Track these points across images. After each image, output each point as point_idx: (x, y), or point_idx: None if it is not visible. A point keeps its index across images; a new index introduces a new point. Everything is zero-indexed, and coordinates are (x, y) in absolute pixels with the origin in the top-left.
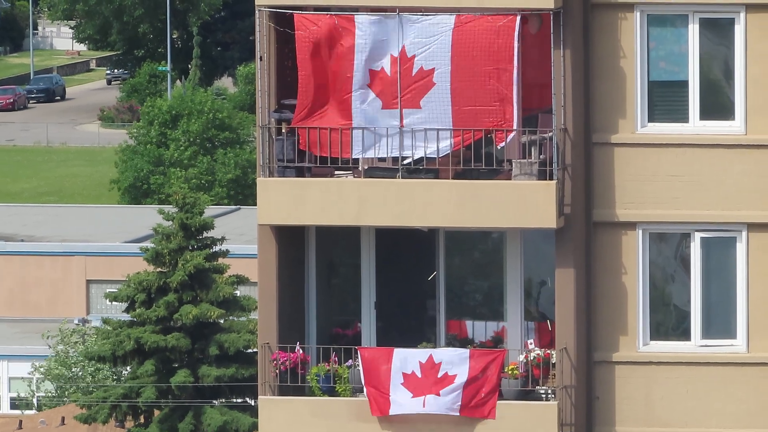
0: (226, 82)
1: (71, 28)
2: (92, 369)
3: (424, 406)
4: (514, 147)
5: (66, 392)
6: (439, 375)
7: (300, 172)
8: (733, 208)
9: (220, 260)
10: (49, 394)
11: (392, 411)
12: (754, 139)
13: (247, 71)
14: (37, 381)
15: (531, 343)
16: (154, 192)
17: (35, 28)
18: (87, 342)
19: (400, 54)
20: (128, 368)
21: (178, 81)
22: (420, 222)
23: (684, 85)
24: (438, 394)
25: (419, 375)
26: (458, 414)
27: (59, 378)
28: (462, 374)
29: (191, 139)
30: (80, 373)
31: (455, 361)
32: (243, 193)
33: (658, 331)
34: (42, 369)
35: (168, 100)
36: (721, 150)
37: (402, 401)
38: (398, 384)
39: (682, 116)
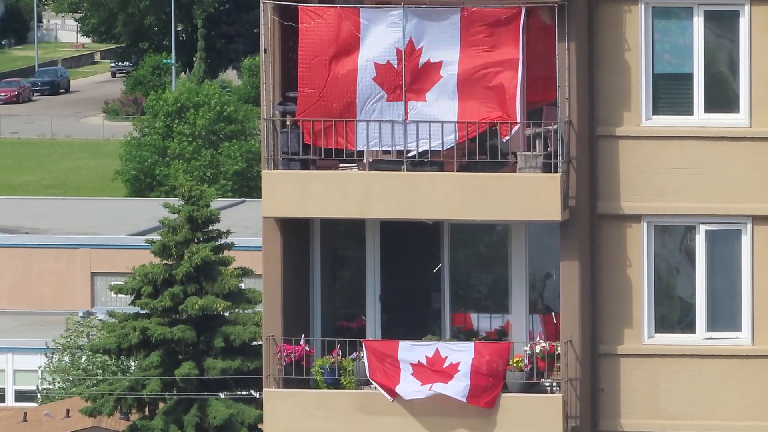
0: (230, 75)
1: (76, 20)
2: (101, 362)
3: (430, 389)
4: (518, 140)
5: (73, 385)
6: (445, 365)
7: (305, 165)
8: (738, 201)
9: (226, 253)
10: (65, 385)
11: (400, 394)
12: (759, 131)
13: (252, 64)
14: (48, 369)
15: (542, 334)
16: (159, 184)
17: (39, 20)
18: (92, 335)
19: (407, 46)
20: (133, 361)
21: (182, 73)
22: (425, 215)
23: (689, 77)
24: (446, 383)
25: (425, 364)
26: (465, 400)
27: (68, 370)
28: (467, 366)
29: (197, 133)
30: (87, 366)
31: (461, 354)
32: (248, 186)
33: (663, 324)
34: (53, 363)
35: (173, 92)
36: (725, 142)
37: (410, 388)
38: (408, 375)
39: (687, 109)
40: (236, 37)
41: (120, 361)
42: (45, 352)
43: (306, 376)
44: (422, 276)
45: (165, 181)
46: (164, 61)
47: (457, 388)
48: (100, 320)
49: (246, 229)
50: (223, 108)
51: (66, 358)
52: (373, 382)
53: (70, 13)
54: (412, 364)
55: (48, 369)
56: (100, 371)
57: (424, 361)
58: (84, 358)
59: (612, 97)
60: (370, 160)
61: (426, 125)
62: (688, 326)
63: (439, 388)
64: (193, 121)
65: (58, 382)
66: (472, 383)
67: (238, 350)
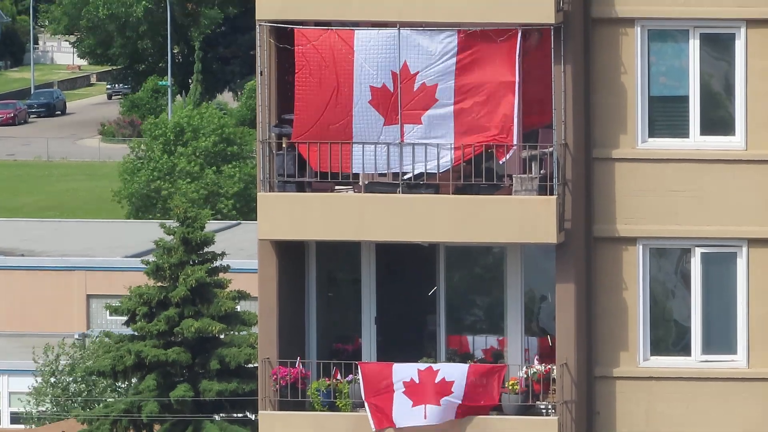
0: (226, 97)
1: (71, 44)
2: (87, 384)
3: (425, 417)
4: (514, 162)
5: (65, 407)
6: (437, 380)
7: (300, 187)
8: (733, 224)
9: (221, 275)
10: (50, 410)
11: (396, 423)
12: (755, 154)
13: (252, 86)
14: (33, 400)
15: (537, 357)
16: (162, 200)
17: (36, 42)
18: (84, 358)
19: (402, 70)
20: (126, 383)
21: (178, 95)
22: (420, 237)
23: (684, 100)
24: (438, 404)
25: (417, 381)
26: (454, 418)
27: (54, 395)
28: (461, 388)
29: (198, 154)
30: (73, 389)
31: (455, 375)
32: (248, 207)
33: (658, 347)
34: (32, 396)
35: (170, 116)
36: (721, 165)
37: (403, 412)
38: (400, 393)
39: (683, 131)
40: (232, 59)
41: (110, 383)
42: (34, 373)
43: (302, 398)
44: (418, 298)
45: (167, 201)
46: (160, 83)
47: (448, 409)
48: (96, 340)
49: (241, 252)
50: (223, 130)
51: (52, 379)
52: (366, 405)
53: (66, 36)
54: (404, 382)
55: (31, 392)
56: (85, 393)
57: (416, 377)
58: (69, 379)
59: (608, 119)
60: (366, 182)
61: (421, 148)
62: (684, 349)
63: (431, 415)
64: (194, 146)
65: (44, 404)
66: (465, 403)
67: (233, 372)
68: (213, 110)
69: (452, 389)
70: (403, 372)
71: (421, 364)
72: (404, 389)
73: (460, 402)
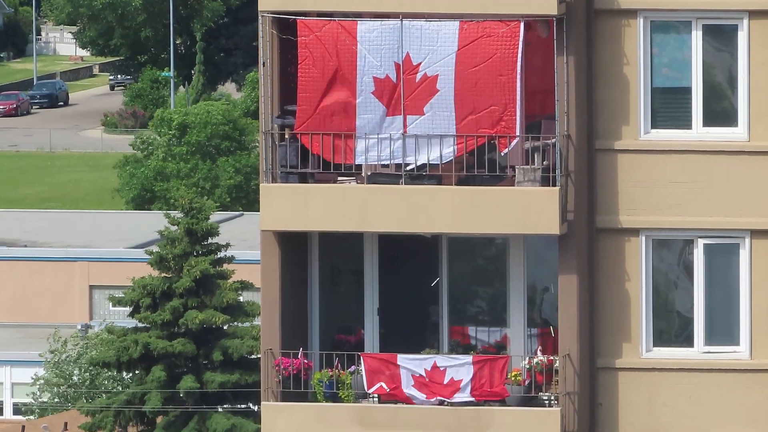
0: (229, 88)
1: (73, 35)
2: (91, 374)
3: (442, 403)
4: (517, 153)
5: (67, 398)
6: (445, 381)
7: (303, 178)
8: (736, 215)
9: (225, 266)
10: (51, 401)
11: (408, 395)
12: (758, 145)
13: (254, 77)
14: (38, 390)
15: (540, 348)
16: (160, 198)
17: (38, 33)
18: (89, 348)
19: (404, 61)
20: (130, 375)
21: (181, 87)
22: (423, 228)
23: (687, 91)
24: (451, 398)
25: (427, 379)
26: (473, 398)
27: (58, 385)
28: (466, 379)
29: (193, 150)
30: (78, 379)
31: (459, 368)
32: (247, 199)
33: (661, 338)
34: (40, 381)
35: (176, 110)
36: (724, 156)
37: (418, 397)
38: (410, 386)
39: (686, 123)
40: (235, 51)
41: (115, 374)
42: (40, 364)
43: (304, 389)
44: (420, 289)
45: (166, 195)
46: (162, 74)
47: (460, 398)
48: (98, 335)
49: (244, 242)
50: (220, 126)
51: (56, 370)
52: (370, 395)
53: (68, 27)
54: (413, 376)
55: (35, 383)
56: (88, 384)
57: (425, 375)
58: (75, 371)
59: (610, 110)
60: (369, 173)
61: (424, 139)
62: (687, 340)
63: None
64: (189, 140)
65: (46, 395)
66: (473, 395)
67: (236, 363)
68: (220, 104)
69: (460, 387)
70: (410, 368)
71: (425, 358)
72: (414, 383)
73: (470, 396)
